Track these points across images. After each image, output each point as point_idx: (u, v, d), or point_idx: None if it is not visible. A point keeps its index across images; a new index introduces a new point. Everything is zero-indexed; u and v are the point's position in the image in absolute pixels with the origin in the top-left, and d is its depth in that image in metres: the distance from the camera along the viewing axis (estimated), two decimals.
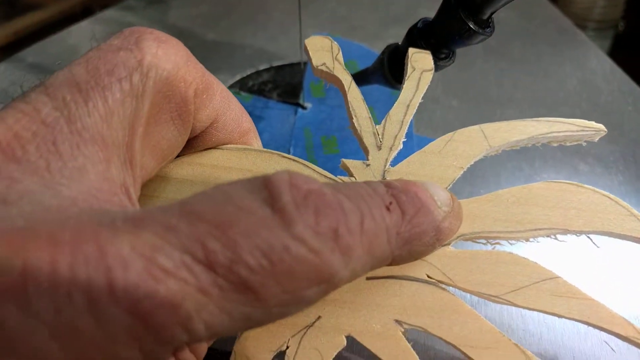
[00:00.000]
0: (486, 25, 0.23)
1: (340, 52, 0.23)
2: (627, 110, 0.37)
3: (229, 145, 0.20)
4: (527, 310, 0.23)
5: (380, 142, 0.20)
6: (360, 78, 0.30)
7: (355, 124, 0.21)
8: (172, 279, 0.10)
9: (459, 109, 0.37)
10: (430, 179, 0.20)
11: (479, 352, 0.16)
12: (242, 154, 0.20)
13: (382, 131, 0.20)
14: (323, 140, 0.34)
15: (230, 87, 0.39)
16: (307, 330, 0.16)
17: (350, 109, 0.21)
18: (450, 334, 0.16)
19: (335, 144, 0.33)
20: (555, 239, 0.19)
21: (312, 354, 0.16)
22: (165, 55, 0.16)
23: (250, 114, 0.37)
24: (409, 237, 0.14)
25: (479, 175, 0.31)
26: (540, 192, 0.19)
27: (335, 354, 0.16)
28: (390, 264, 0.15)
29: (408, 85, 0.22)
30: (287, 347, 0.16)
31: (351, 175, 0.20)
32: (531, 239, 0.19)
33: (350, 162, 0.20)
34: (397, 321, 0.17)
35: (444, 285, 0.18)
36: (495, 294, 0.17)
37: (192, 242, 0.11)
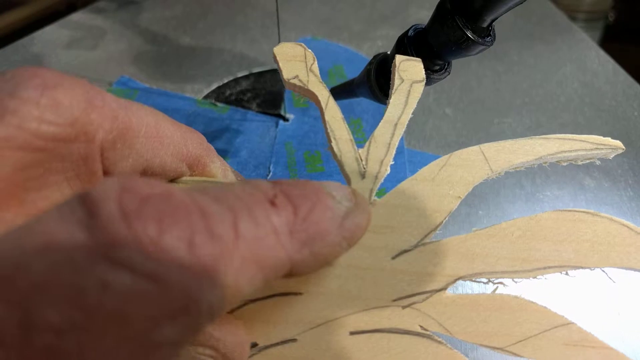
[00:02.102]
0: (486, 34, 0.20)
1: (316, 62, 0.19)
2: (633, 116, 0.34)
3: (185, 178, 0.17)
4: None
5: (364, 169, 0.17)
6: (345, 90, 0.27)
7: (335, 148, 0.17)
8: None
9: (453, 118, 0.34)
10: (423, 212, 0.17)
11: None
12: (201, 187, 0.17)
13: (366, 155, 0.17)
14: (306, 157, 0.31)
15: (206, 97, 0.35)
16: None
17: (329, 130, 0.18)
18: None
19: (320, 160, 0.31)
20: (566, 274, 0.16)
21: None
22: (51, 106, 0.12)
23: (228, 127, 0.34)
24: (308, 237, 0.12)
25: (477, 194, 0.28)
26: (550, 223, 0.17)
27: None
28: (292, 274, 0.12)
29: (395, 99, 0.19)
30: None
31: None
32: (539, 277, 0.16)
33: None
34: None
35: (440, 339, 0.15)
36: (500, 346, 0.15)
37: None
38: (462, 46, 0.20)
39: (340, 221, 0.13)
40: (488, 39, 0.20)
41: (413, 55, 0.21)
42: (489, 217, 0.27)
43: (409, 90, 0.19)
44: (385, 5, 0.49)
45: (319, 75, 0.19)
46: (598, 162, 0.18)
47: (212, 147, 0.19)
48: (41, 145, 0.12)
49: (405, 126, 0.18)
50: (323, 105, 0.18)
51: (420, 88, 0.19)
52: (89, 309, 0.08)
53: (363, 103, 0.34)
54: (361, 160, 0.17)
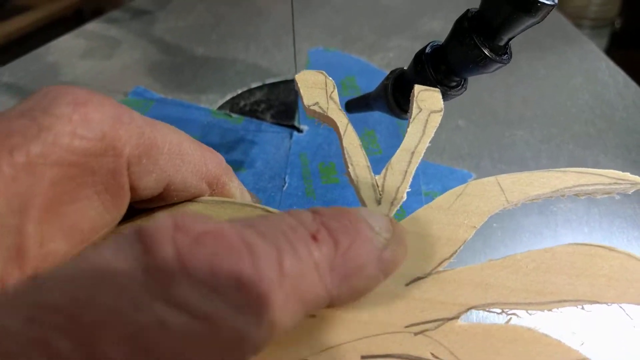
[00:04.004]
0: (503, 52, 0.20)
1: (336, 90, 0.20)
2: None
3: (204, 198, 0.18)
4: None
5: (380, 195, 0.18)
6: (361, 104, 0.27)
7: (352, 173, 0.18)
8: None
9: (466, 129, 0.34)
10: (438, 240, 0.17)
11: None
12: (220, 207, 0.17)
13: (383, 182, 0.18)
14: (320, 168, 0.31)
15: (220, 108, 0.36)
16: None
17: (347, 156, 0.18)
18: None
19: (335, 172, 0.31)
20: (582, 308, 0.17)
21: None
22: (83, 121, 0.13)
23: (243, 138, 0.34)
24: (347, 272, 0.12)
25: None
26: (565, 257, 0.17)
27: None
28: (330, 306, 0.12)
29: (413, 129, 0.19)
30: None
31: None
32: (554, 310, 0.17)
33: None
34: None
35: None
36: None
37: (34, 345, 0.08)
38: (479, 64, 0.20)
39: (378, 254, 0.13)
40: (505, 57, 0.20)
41: (430, 72, 0.22)
42: (503, 230, 0.27)
43: (427, 120, 0.20)
44: (398, 16, 0.49)
45: (339, 103, 0.20)
46: (617, 197, 0.19)
47: (230, 168, 0.19)
48: (74, 160, 0.13)
49: (422, 156, 0.19)
50: (342, 132, 0.19)
51: (438, 118, 0.20)
52: (148, 347, 0.08)
53: (376, 114, 0.34)
54: (377, 186, 0.18)
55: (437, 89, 0.20)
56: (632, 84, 0.39)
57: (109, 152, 0.14)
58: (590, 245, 0.17)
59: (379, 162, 0.19)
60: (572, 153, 0.33)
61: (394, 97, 0.24)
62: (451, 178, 0.30)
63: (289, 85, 0.38)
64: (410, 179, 0.18)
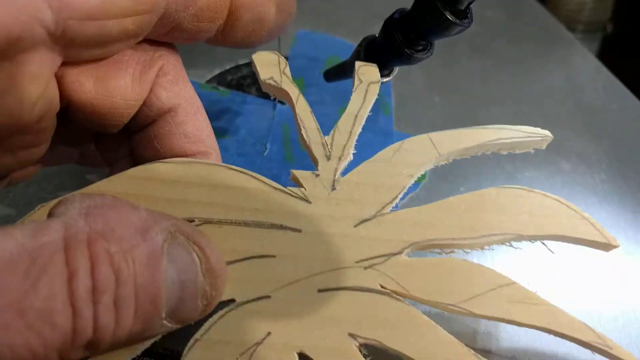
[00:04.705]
0: (464, 15, 0.22)
1: (288, 67, 0.23)
2: (611, 108, 0.36)
3: (173, 159, 0.19)
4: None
5: (330, 152, 0.20)
6: (339, 72, 0.29)
7: (304, 135, 0.21)
8: None
9: (441, 105, 0.36)
10: (381, 187, 0.19)
11: None
12: (188, 167, 0.19)
13: (331, 141, 0.20)
14: None
15: (208, 82, 0.38)
16: (256, 348, 0.15)
17: (299, 121, 0.21)
18: (407, 346, 0.16)
19: None
20: (510, 246, 0.19)
21: None
22: None
23: (228, 109, 0.36)
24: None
25: (459, 173, 0.30)
26: (492, 198, 0.19)
27: None
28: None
29: (356, 96, 0.22)
30: None
31: (301, 185, 0.19)
32: (486, 247, 0.18)
33: (299, 173, 0.20)
34: (351, 335, 0.16)
35: (398, 296, 0.17)
36: (452, 303, 0.17)
37: None
38: (441, 27, 0.22)
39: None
40: (466, 20, 0.22)
41: (398, 36, 0.23)
42: None
43: (367, 89, 0.22)
44: (382, 3, 0.51)
45: (291, 77, 0.22)
46: (532, 151, 0.21)
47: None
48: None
49: (364, 120, 0.21)
50: (294, 100, 0.22)
51: (376, 88, 0.23)
52: None
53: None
54: (327, 145, 0.20)
55: (374, 65, 0.23)
56: (604, 69, 0.41)
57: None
58: (513, 187, 0.19)
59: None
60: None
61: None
62: None
63: None
64: (355, 139, 0.21)
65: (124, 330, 0.12)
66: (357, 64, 0.24)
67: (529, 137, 0.21)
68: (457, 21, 0.22)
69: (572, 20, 1.12)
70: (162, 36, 0.18)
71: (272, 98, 0.35)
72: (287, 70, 0.22)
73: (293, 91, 0.22)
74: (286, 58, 0.38)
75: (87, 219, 0.12)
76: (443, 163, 0.21)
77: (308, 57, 0.42)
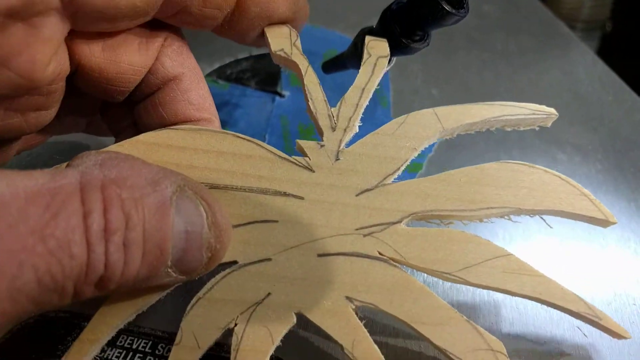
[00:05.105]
0: (460, 5, 0.22)
1: (299, 39, 0.23)
2: (607, 100, 0.37)
3: (183, 126, 0.20)
4: (500, 297, 0.22)
5: (335, 124, 0.20)
6: (337, 64, 0.29)
7: (311, 107, 0.21)
8: None
9: (439, 98, 0.36)
10: (384, 159, 0.20)
11: (430, 329, 0.16)
12: (196, 134, 0.19)
13: (337, 113, 0.21)
14: (301, 129, 0.33)
15: (208, 76, 0.38)
16: (256, 307, 0.16)
17: (307, 92, 0.21)
18: (401, 310, 0.16)
19: (313, 132, 0.33)
20: (509, 219, 0.19)
21: (260, 331, 0.16)
22: None
23: (227, 102, 0.36)
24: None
25: (457, 164, 0.30)
26: (493, 172, 0.20)
27: (284, 331, 0.16)
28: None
29: (364, 70, 0.22)
30: (236, 325, 0.16)
31: (306, 155, 0.20)
32: (485, 220, 0.19)
33: (305, 143, 0.20)
34: (347, 298, 0.17)
35: (395, 263, 0.17)
36: (448, 271, 0.17)
37: None
38: (437, 16, 0.22)
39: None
40: (462, 10, 0.22)
41: (395, 27, 0.24)
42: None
43: (375, 63, 0.22)
44: None
45: (301, 49, 0.22)
46: (537, 128, 0.21)
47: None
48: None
49: (372, 93, 0.22)
50: (303, 72, 0.22)
51: (385, 62, 0.23)
52: None
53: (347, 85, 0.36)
54: (333, 116, 0.20)
55: (384, 39, 0.23)
56: (601, 63, 0.41)
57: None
58: (514, 162, 0.20)
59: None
60: None
61: (362, 54, 0.26)
62: None
63: None
64: (362, 111, 0.21)
65: (131, 271, 0.13)
66: (367, 38, 0.24)
67: (534, 114, 0.21)
68: (453, 11, 0.22)
69: (571, 18, 1.12)
70: (169, 18, 0.19)
71: (273, 91, 0.36)
72: (298, 43, 0.23)
73: (302, 63, 0.22)
74: None
75: (101, 168, 0.13)
76: (447, 137, 0.21)
77: (306, 52, 0.42)
